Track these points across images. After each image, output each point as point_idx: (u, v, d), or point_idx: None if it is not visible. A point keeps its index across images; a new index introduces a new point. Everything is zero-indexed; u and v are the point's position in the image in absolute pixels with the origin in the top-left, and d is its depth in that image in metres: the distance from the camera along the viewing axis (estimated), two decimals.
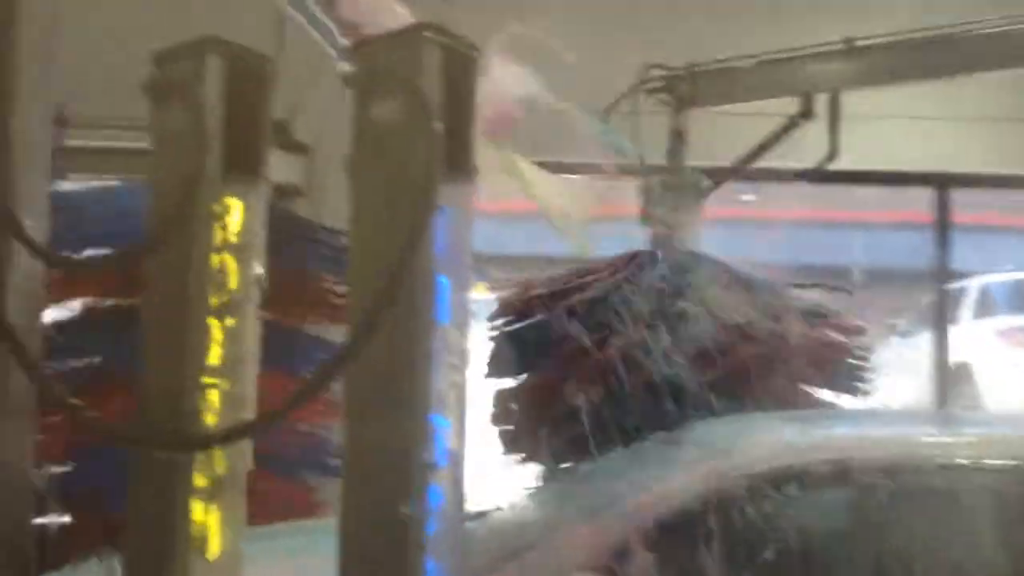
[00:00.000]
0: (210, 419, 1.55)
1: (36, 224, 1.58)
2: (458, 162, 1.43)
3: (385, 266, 1.32)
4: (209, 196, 1.47)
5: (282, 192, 4.03)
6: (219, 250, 1.55)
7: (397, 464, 1.40)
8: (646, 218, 4.11)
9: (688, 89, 4.19)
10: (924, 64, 3.73)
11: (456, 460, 1.46)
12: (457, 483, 1.45)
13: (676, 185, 4.13)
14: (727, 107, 4.20)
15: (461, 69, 1.42)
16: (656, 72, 4.27)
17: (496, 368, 3.68)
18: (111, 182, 3.31)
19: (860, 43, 3.79)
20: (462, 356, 1.47)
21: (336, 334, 3.42)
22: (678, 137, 4.21)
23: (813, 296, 3.93)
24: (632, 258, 3.62)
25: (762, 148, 4.15)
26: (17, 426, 1.51)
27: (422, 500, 1.37)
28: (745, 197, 6.49)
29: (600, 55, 4.62)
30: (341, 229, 3.30)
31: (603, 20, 4.90)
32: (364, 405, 1.42)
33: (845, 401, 3.75)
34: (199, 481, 1.48)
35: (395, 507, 1.36)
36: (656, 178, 4.10)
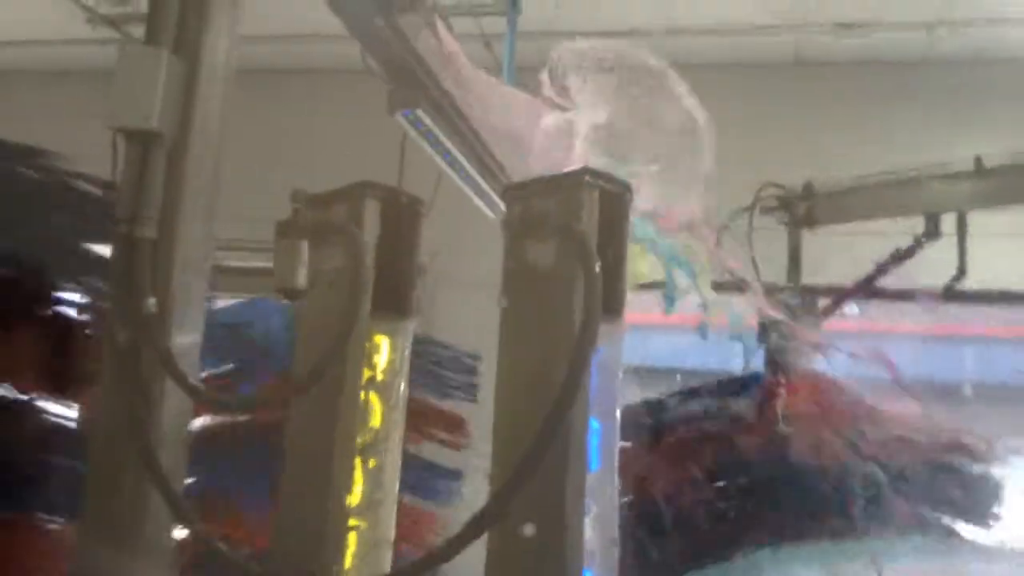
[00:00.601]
0: (349, 562, 1.52)
1: (192, 342, 1.60)
2: (610, 302, 1.40)
3: (540, 412, 1.28)
4: (361, 335, 1.47)
5: None
6: (365, 388, 1.54)
7: None
8: (763, 336, 4.01)
9: (805, 208, 4.11)
10: None
11: None
12: None
13: (793, 305, 4.04)
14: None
15: (616, 210, 1.40)
16: (772, 191, 4.20)
17: None
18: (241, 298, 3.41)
19: (990, 163, 3.67)
20: (613, 505, 1.40)
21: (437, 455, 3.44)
22: (794, 256, 4.13)
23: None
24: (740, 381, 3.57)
25: (885, 268, 4.02)
26: (160, 565, 1.50)
27: None
28: (849, 310, 6.34)
29: (721, 171, 4.61)
30: (449, 345, 3.33)
31: (727, 136, 4.91)
32: (510, 557, 1.37)
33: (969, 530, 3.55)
34: None
35: None
36: (772, 297, 4.02)
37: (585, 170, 1.37)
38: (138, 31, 4.87)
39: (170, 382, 1.55)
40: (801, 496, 3.25)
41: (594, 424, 1.37)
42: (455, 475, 2.84)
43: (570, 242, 1.31)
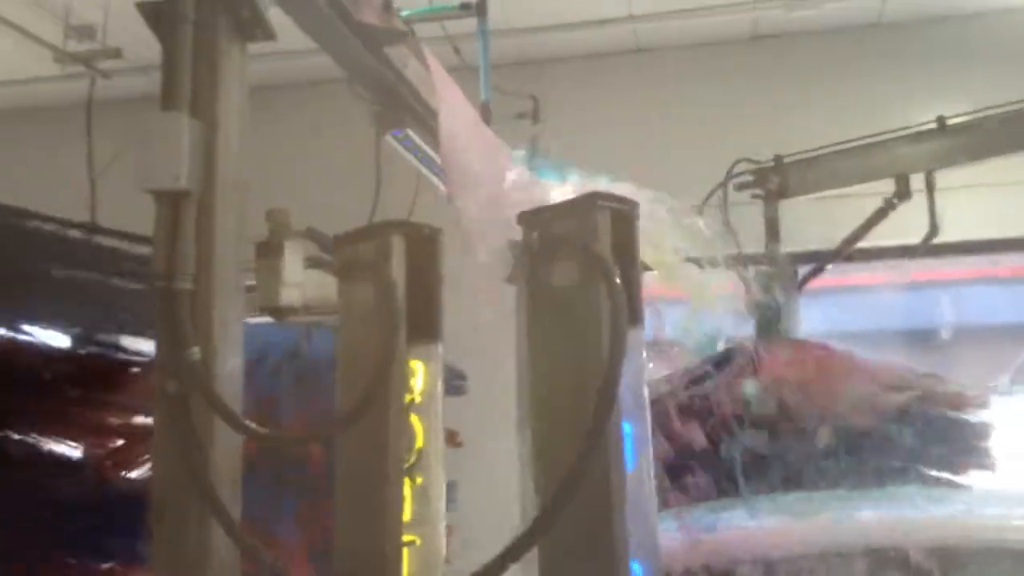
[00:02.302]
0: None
1: (236, 384, 1.69)
2: (631, 312, 1.50)
3: (577, 423, 1.39)
4: (401, 364, 1.57)
5: None
6: (407, 411, 1.64)
7: None
8: (750, 307, 4.15)
9: (778, 180, 4.24)
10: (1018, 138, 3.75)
11: None
12: None
13: (774, 274, 4.17)
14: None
15: (626, 228, 1.51)
16: (744, 166, 4.33)
17: None
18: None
19: (952, 122, 3.81)
20: (651, 499, 1.52)
21: None
22: (772, 227, 4.25)
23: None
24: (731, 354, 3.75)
25: (861, 231, 4.16)
26: None
27: None
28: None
29: (692, 149, 4.74)
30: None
31: (694, 114, 5.03)
32: (563, 555, 1.48)
33: (973, 479, 3.70)
34: None
35: None
36: (754, 267, 4.16)
37: (596, 194, 1.48)
38: (106, 65, 4.88)
39: (219, 423, 1.64)
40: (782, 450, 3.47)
41: (627, 427, 1.48)
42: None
43: (591, 261, 1.42)
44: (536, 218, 1.51)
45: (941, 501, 3.37)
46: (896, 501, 3.16)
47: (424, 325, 1.66)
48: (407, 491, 1.63)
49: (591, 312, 1.43)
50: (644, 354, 1.54)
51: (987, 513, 3.04)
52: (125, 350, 2.45)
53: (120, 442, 2.28)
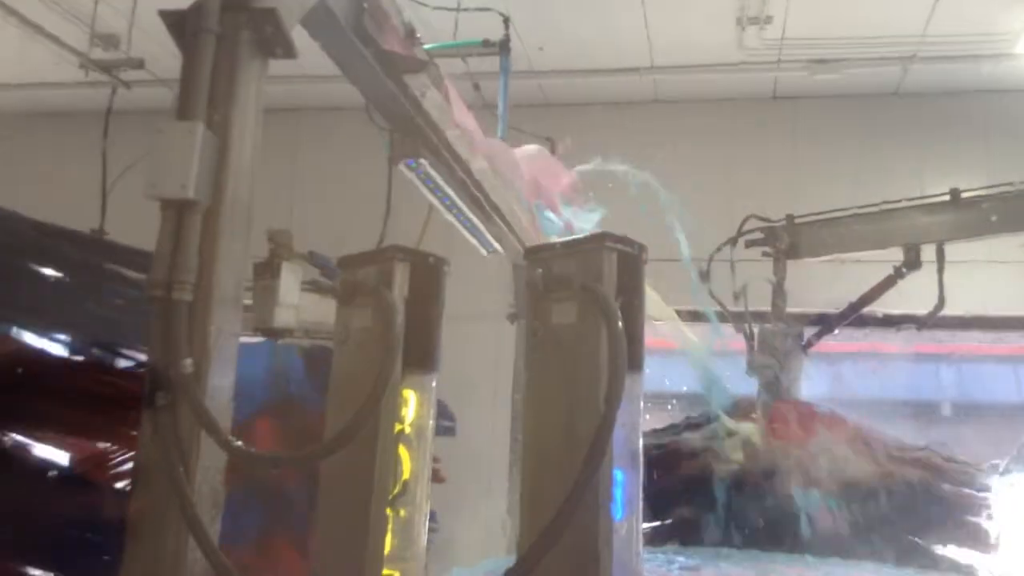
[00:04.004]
0: None
1: (226, 398, 1.66)
2: (631, 358, 1.48)
3: (567, 466, 1.36)
4: (394, 391, 1.54)
5: None
6: (395, 441, 1.61)
7: None
8: (751, 366, 4.13)
9: (788, 240, 4.23)
10: None
11: None
12: None
13: (779, 333, 4.15)
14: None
15: (632, 271, 1.48)
16: (755, 223, 4.32)
17: None
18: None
19: (966, 195, 3.80)
20: (636, 552, 1.48)
21: None
22: (779, 286, 4.24)
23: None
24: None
25: (869, 297, 4.14)
26: None
27: None
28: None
29: (705, 203, 4.74)
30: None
31: (709, 168, 5.04)
32: None
33: (969, 556, 3.64)
34: None
35: None
36: (759, 326, 4.14)
37: (604, 234, 1.46)
38: (128, 76, 4.91)
39: (206, 439, 1.61)
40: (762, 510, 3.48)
41: (618, 475, 1.44)
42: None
43: (592, 301, 1.39)
44: (541, 255, 1.49)
45: None
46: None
47: (420, 354, 1.63)
48: (390, 523, 1.59)
49: (590, 354, 1.40)
50: (641, 401, 1.51)
51: None
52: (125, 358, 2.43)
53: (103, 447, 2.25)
